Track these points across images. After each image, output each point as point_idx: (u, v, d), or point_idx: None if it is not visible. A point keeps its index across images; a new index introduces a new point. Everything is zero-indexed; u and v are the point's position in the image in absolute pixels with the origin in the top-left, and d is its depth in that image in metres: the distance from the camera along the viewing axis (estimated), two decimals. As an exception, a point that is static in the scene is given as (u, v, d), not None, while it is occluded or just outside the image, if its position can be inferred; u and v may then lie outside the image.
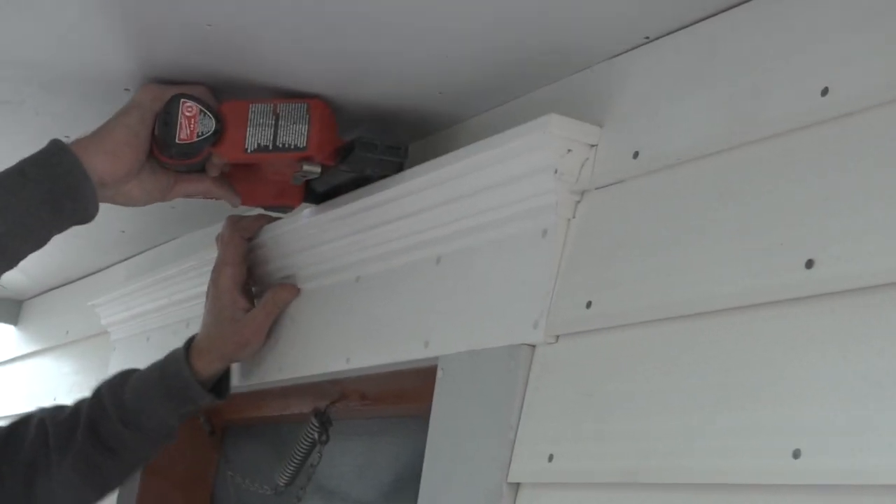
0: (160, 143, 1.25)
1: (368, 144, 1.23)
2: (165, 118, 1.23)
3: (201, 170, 1.29)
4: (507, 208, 1.10)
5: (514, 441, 1.02)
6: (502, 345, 1.06)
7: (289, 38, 1.15)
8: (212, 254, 1.51)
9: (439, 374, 1.13)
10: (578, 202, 1.06)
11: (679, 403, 0.89)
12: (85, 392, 1.48)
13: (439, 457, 1.11)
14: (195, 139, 1.23)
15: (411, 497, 1.14)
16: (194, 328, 1.49)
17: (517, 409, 1.03)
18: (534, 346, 1.05)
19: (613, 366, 0.97)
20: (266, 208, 1.41)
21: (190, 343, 1.43)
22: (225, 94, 1.28)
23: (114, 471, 1.42)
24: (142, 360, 1.48)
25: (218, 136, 1.24)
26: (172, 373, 1.40)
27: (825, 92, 0.86)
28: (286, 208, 1.38)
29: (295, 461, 1.51)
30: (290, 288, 1.42)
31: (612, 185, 1.04)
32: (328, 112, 1.25)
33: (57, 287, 2.37)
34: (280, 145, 1.24)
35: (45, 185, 1.21)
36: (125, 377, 1.44)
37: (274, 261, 1.45)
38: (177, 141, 1.23)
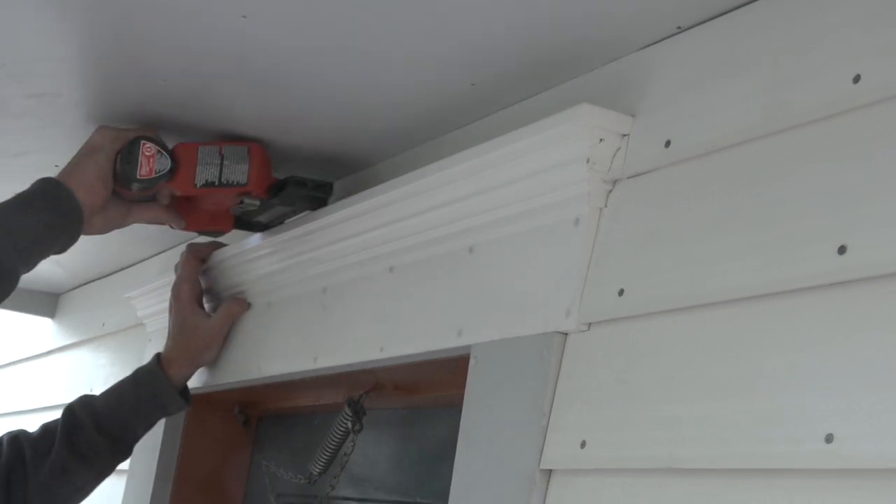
0: (122, 179, 1.43)
1: (299, 182, 1.45)
2: (127, 157, 1.41)
3: (152, 199, 1.48)
4: (539, 198, 1.10)
5: (547, 428, 1.03)
6: (535, 333, 1.07)
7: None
8: (244, 245, 1.58)
9: (472, 362, 1.14)
10: (610, 191, 1.06)
11: (711, 389, 0.90)
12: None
13: (472, 444, 1.12)
14: (153, 175, 1.43)
15: (444, 485, 1.15)
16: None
17: (549, 397, 1.04)
18: (566, 334, 1.05)
19: (645, 353, 0.97)
20: (201, 232, 1.63)
21: (158, 358, 1.59)
22: (186, 134, 1.46)
23: (85, 477, 1.55)
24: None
25: (173, 174, 1.44)
26: (146, 382, 1.56)
27: (857, 79, 0.86)
28: (219, 233, 1.61)
29: (328, 450, 1.52)
30: (242, 302, 1.61)
31: (643, 174, 1.04)
32: (265, 154, 1.45)
33: (93, 280, 2.39)
34: (224, 181, 1.44)
35: (47, 215, 1.36)
36: (91, 396, 1.58)
37: (307, 254, 1.47)
38: (138, 177, 1.42)
